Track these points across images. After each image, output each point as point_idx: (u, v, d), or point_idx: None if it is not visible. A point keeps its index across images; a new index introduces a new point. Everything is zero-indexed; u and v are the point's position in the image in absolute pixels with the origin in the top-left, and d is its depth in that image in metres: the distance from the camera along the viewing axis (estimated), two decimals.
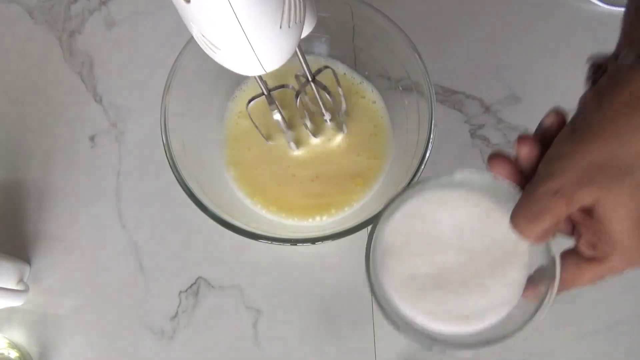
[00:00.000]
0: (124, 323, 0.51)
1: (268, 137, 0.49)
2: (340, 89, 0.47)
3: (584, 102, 0.27)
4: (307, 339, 0.50)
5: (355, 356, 0.49)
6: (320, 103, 0.46)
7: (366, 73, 0.51)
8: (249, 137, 0.50)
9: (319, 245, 0.41)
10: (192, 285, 0.52)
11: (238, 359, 0.50)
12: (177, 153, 0.42)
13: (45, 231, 0.54)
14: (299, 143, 0.49)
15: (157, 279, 0.52)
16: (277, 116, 0.45)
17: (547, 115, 0.29)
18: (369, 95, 0.51)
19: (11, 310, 0.51)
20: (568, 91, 0.54)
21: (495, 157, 0.28)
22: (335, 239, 0.40)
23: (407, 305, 0.30)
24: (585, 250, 0.28)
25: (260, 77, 0.40)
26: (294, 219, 0.48)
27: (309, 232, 0.45)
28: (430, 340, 0.29)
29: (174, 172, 0.42)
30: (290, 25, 0.32)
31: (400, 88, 0.48)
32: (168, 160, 0.42)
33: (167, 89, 0.43)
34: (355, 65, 0.52)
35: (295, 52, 0.38)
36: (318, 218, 0.48)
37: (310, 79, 0.43)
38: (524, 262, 0.30)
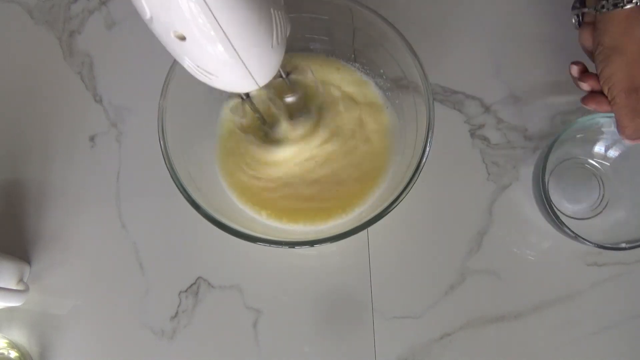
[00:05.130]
0: (124, 323, 0.51)
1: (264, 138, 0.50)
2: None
3: (596, 36, 0.42)
4: (307, 339, 0.50)
5: (355, 356, 0.49)
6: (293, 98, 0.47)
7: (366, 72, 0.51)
8: (245, 142, 0.50)
9: (318, 245, 0.41)
10: (192, 285, 0.52)
11: (238, 359, 0.50)
12: (174, 156, 0.42)
13: (45, 231, 0.54)
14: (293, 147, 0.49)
15: (157, 279, 0.52)
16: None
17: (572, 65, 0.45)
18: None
19: (11, 310, 0.51)
20: (568, 91, 0.54)
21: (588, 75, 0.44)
22: (334, 241, 0.40)
23: None
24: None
25: None
26: (292, 225, 0.48)
27: (307, 235, 0.45)
28: None
29: (172, 177, 0.41)
30: (280, 42, 0.34)
31: (399, 89, 0.48)
32: (166, 165, 0.42)
33: (164, 90, 0.43)
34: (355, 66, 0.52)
35: None
36: (318, 222, 0.48)
37: (284, 76, 0.45)
38: None
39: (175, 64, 0.44)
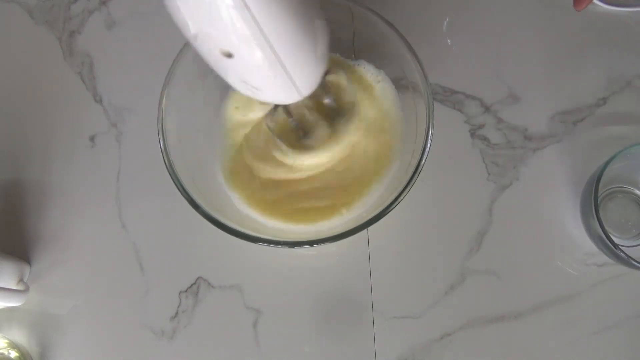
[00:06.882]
0: (124, 323, 0.51)
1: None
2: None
3: None
4: (307, 339, 0.50)
5: (355, 356, 0.49)
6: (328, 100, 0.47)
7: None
8: (246, 141, 0.49)
9: (318, 245, 0.41)
10: (192, 285, 0.52)
11: (238, 359, 0.50)
12: (174, 156, 0.42)
13: (45, 231, 0.54)
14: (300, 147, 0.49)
15: (157, 279, 0.52)
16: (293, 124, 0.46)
17: None
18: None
19: (11, 310, 0.51)
20: (568, 91, 0.54)
21: None
22: (334, 241, 0.40)
23: None
24: None
25: None
26: (292, 225, 0.48)
27: (307, 235, 0.45)
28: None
29: (172, 177, 0.41)
30: (323, 52, 0.34)
31: (399, 89, 0.48)
32: (166, 165, 0.42)
33: (164, 90, 0.43)
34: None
35: None
36: (318, 222, 0.47)
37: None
38: None
39: (175, 64, 0.44)
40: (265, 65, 0.31)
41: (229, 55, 0.30)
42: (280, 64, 0.31)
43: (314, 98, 0.46)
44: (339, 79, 0.47)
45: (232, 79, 0.33)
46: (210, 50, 0.31)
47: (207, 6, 0.27)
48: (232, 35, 0.29)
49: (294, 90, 0.35)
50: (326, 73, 0.45)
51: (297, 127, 0.47)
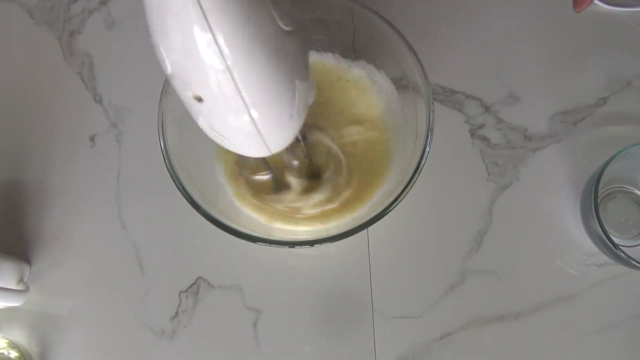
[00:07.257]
0: (124, 323, 0.51)
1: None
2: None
3: None
4: (307, 339, 0.50)
5: (355, 356, 0.49)
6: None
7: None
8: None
9: (318, 245, 0.41)
10: (192, 285, 0.52)
11: (238, 359, 0.50)
12: (174, 156, 0.42)
13: (45, 231, 0.54)
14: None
15: (157, 279, 0.52)
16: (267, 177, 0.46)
17: None
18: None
19: (11, 310, 0.51)
20: (568, 91, 0.54)
21: None
22: (334, 241, 0.40)
23: None
24: None
25: None
26: (292, 225, 0.48)
27: (307, 235, 0.45)
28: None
29: (172, 177, 0.41)
30: (299, 113, 0.33)
31: (399, 89, 0.48)
32: (166, 165, 0.42)
33: (164, 90, 0.43)
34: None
35: None
36: (318, 222, 0.47)
37: (300, 139, 0.43)
38: None
39: None
40: (233, 117, 0.30)
41: (199, 100, 0.29)
42: (251, 118, 0.30)
43: (295, 155, 0.45)
44: (322, 138, 0.47)
45: (201, 123, 0.32)
46: (183, 91, 0.30)
47: (183, 48, 0.27)
48: (203, 80, 0.28)
49: (262, 145, 0.33)
50: (305, 136, 0.43)
51: (271, 178, 0.47)
